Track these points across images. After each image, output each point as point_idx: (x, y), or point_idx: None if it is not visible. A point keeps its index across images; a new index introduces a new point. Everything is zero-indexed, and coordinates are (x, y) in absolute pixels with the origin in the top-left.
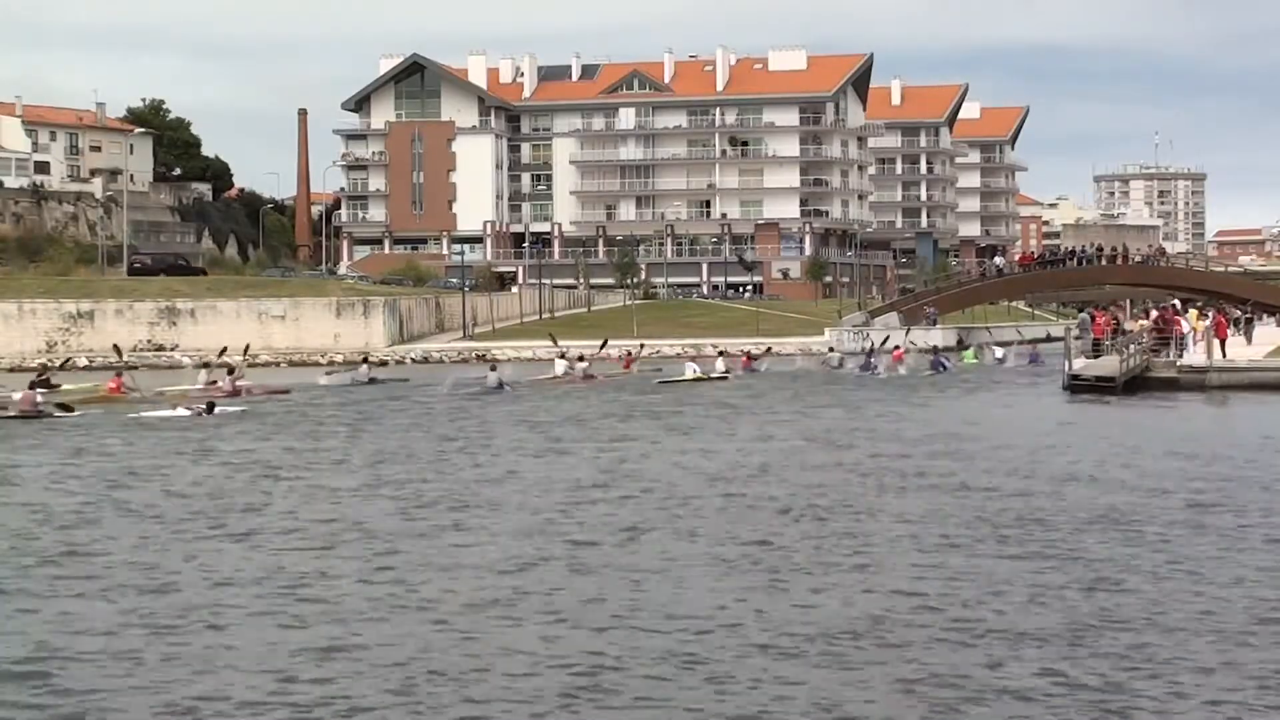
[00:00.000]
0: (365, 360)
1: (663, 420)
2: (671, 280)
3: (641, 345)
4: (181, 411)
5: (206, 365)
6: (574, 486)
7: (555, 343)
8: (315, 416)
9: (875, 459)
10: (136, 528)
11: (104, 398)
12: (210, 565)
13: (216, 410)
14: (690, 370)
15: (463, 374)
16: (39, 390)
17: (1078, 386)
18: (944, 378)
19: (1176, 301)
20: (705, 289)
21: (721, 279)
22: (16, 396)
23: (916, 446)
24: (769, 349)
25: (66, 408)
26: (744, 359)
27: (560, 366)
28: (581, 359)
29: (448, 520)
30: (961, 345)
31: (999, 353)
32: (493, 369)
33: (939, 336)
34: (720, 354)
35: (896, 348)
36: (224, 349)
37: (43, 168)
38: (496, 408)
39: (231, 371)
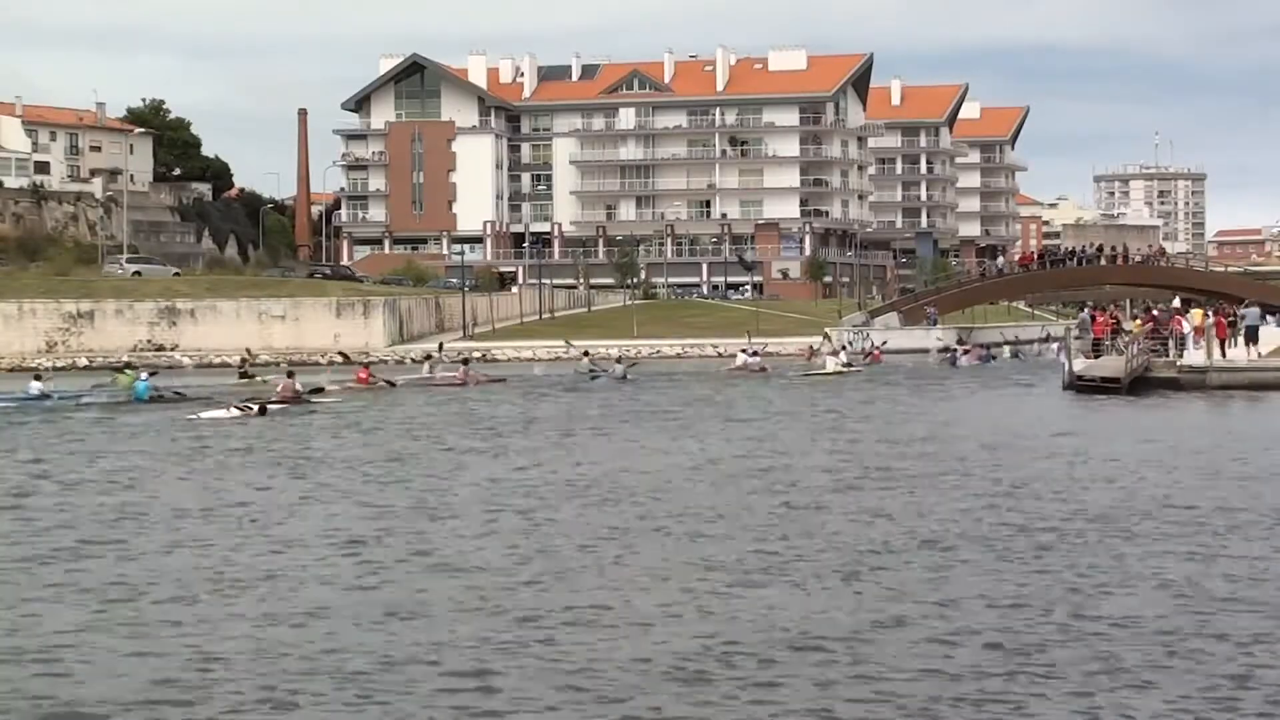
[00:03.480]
0: (586, 354)
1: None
2: (671, 280)
3: (825, 337)
4: (233, 412)
5: (429, 358)
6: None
7: (750, 339)
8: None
9: (923, 455)
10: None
11: (352, 387)
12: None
13: (269, 411)
14: (832, 364)
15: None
16: (296, 379)
17: (1083, 386)
18: (984, 370)
19: (1177, 301)
20: (705, 289)
21: (721, 279)
22: (278, 386)
23: (953, 445)
24: (884, 343)
25: (319, 390)
26: (875, 354)
27: (740, 359)
28: (755, 354)
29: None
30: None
31: (1054, 347)
32: (618, 361)
33: (939, 337)
34: (842, 349)
35: (963, 343)
36: (441, 345)
37: (43, 168)
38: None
39: (466, 362)
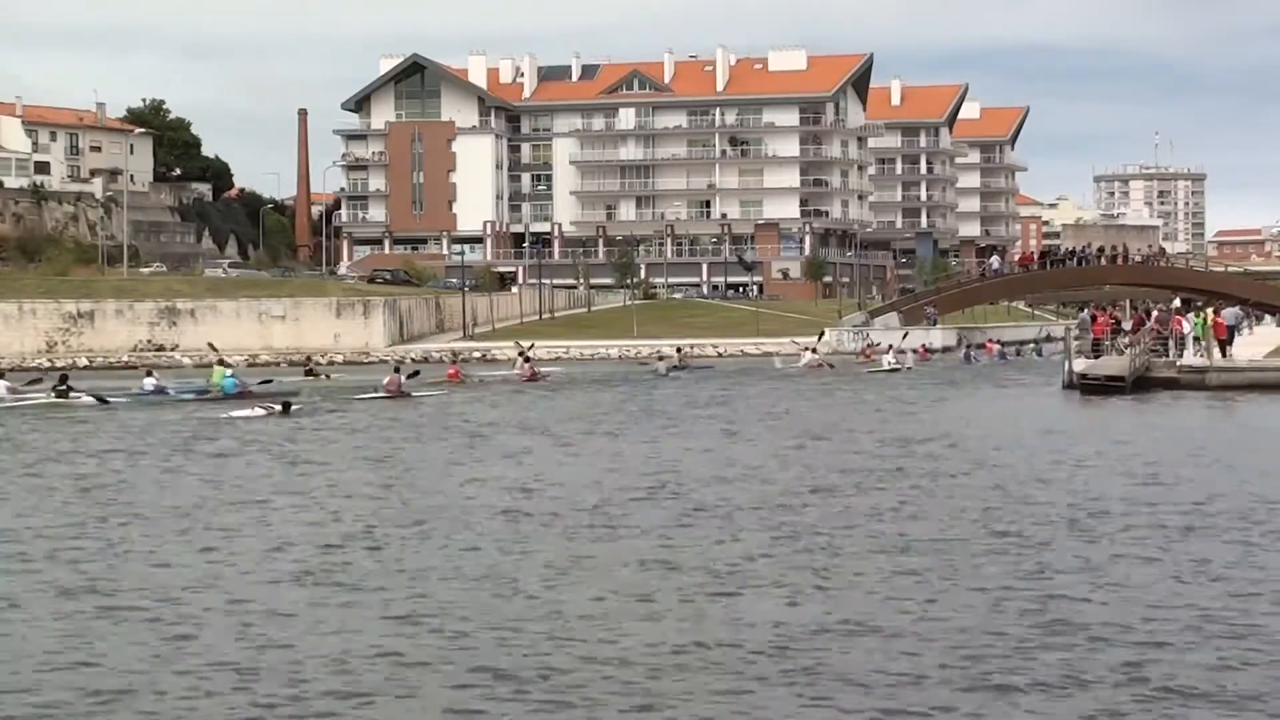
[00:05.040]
0: (680, 351)
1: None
2: (671, 280)
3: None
4: (258, 411)
5: (523, 353)
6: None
7: (865, 339)
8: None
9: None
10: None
11: (444, 382)
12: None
13: (293, 409)
14: (886, 362)
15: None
16: (402, 375)
17: (1088, 386)
18: (999, 368)
19: (1177, 301)
20: (705, 289)
21: (722, 279)
22: (385, 380)
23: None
24: (931, 342)
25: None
26: (921, 351)
27: (807, 357)
28: (814, 351)
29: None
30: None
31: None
32: (660, 358)
33: (939, 337)
34: (890, 347)
35: (990, 341)
36: (531, 345)
37: (43, 168)
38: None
39: (528, 360)
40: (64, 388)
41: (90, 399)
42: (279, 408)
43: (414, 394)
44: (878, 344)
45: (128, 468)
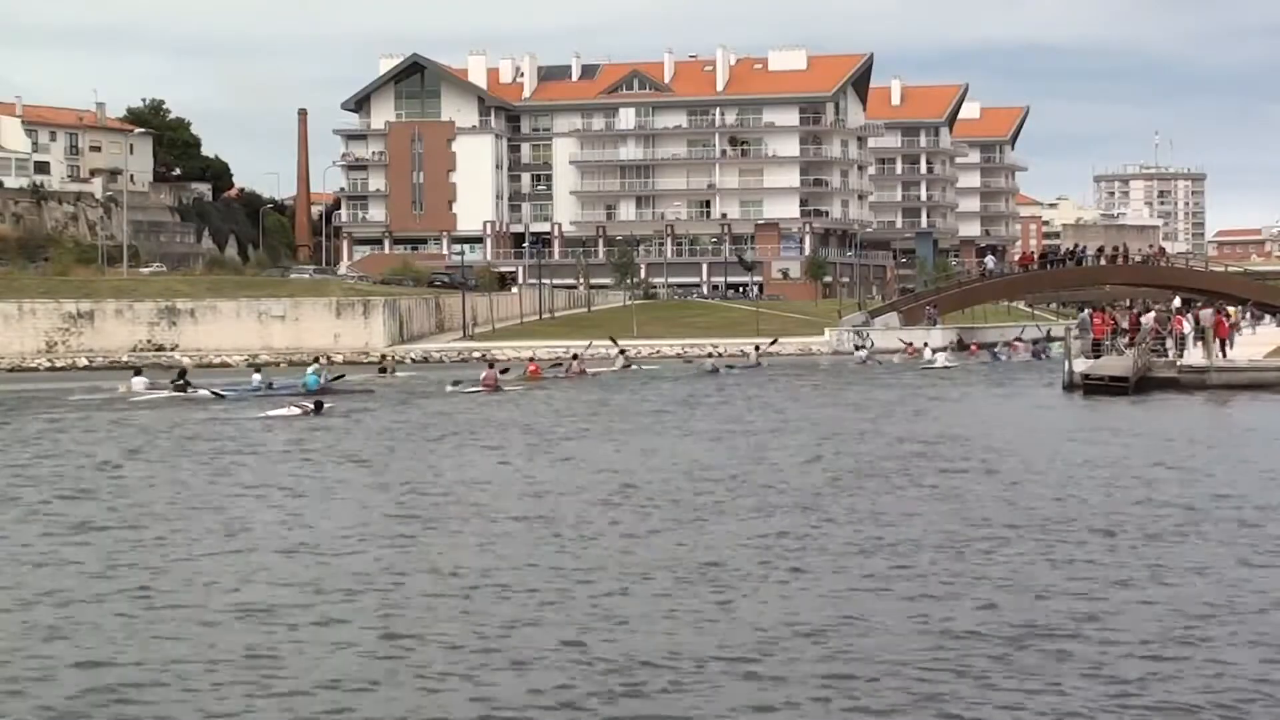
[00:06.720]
0: (756, 347)
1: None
2: (671, 280)
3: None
4: (292, 410)
5: (622, 352)
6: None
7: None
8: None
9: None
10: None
11: (527, 379)
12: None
13: (325, 408)
14: (940, 360)
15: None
16: (498, 372)
17: (1090, 387)
18: (1011, 367)
19: (1177, 301)
20: (705, 289)
21: (722, 279)
22: (482, 376)
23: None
24: (975, 341)
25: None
26: (974, 347)
27: (860, 355)
28: (860, 348)
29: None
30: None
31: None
32: (709, 356)
33: (939, 336)
34: (925, 344)
35: (1017, 339)
36: (613, 336)
37: (43, 168)
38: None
39: (575, 358)
40: (182, 382)
41: (207, 393)
42: (311, 406)
43: (505, 389)
44: (917, 343)
45: (127, 466)
